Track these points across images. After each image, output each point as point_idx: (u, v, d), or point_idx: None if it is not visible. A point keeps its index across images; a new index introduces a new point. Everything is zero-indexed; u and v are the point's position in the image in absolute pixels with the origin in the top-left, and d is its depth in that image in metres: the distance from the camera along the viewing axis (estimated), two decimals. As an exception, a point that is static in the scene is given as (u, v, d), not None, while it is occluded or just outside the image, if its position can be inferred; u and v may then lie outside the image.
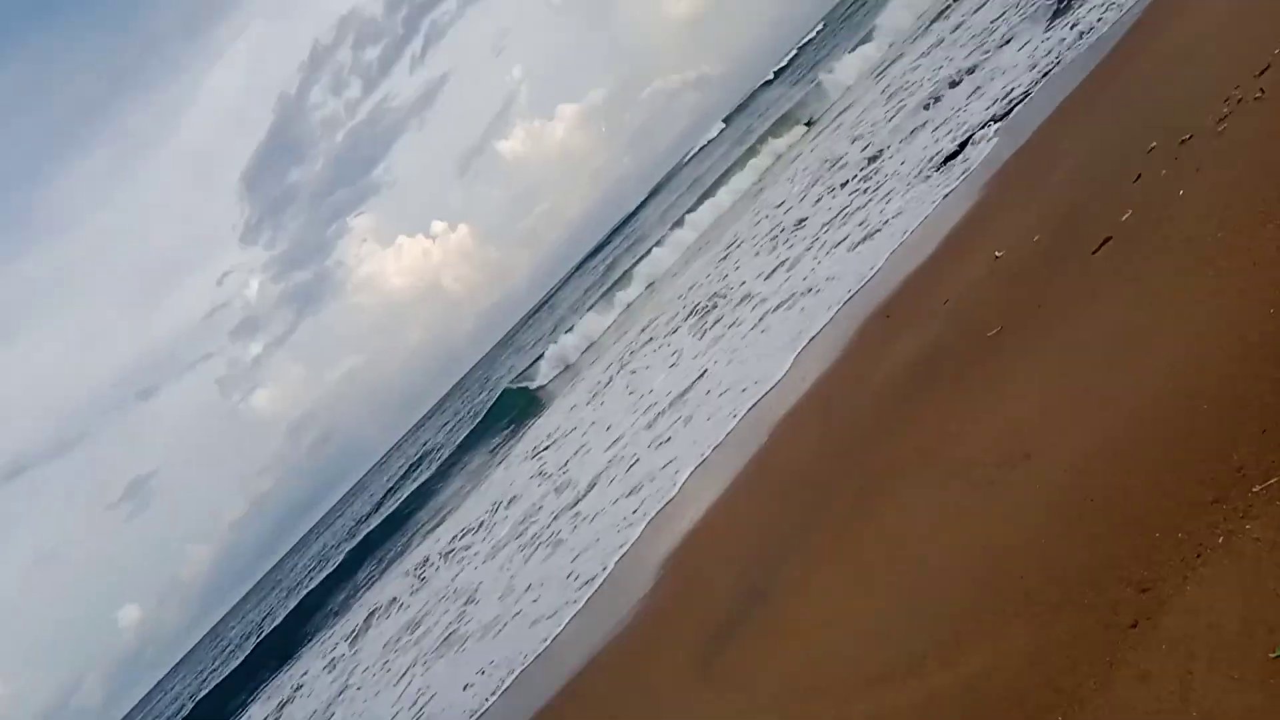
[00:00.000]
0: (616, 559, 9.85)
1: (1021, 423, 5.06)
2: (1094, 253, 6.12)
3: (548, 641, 9.57)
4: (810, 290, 12.62)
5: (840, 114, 27.32)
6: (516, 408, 34.82)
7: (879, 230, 12.25)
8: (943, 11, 23.96)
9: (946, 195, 10.87)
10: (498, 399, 38.44)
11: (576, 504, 14.02)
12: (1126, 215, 6.10)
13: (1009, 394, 5.52)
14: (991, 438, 5.23)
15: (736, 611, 6.32)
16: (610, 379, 22.43)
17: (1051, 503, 4.15)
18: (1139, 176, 6.37)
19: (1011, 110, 11.68)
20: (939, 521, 4.96)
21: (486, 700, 9.66)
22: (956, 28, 20.07)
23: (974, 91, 14.09)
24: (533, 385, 35.73)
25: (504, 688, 9.57)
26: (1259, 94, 5.76)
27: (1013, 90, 12.19)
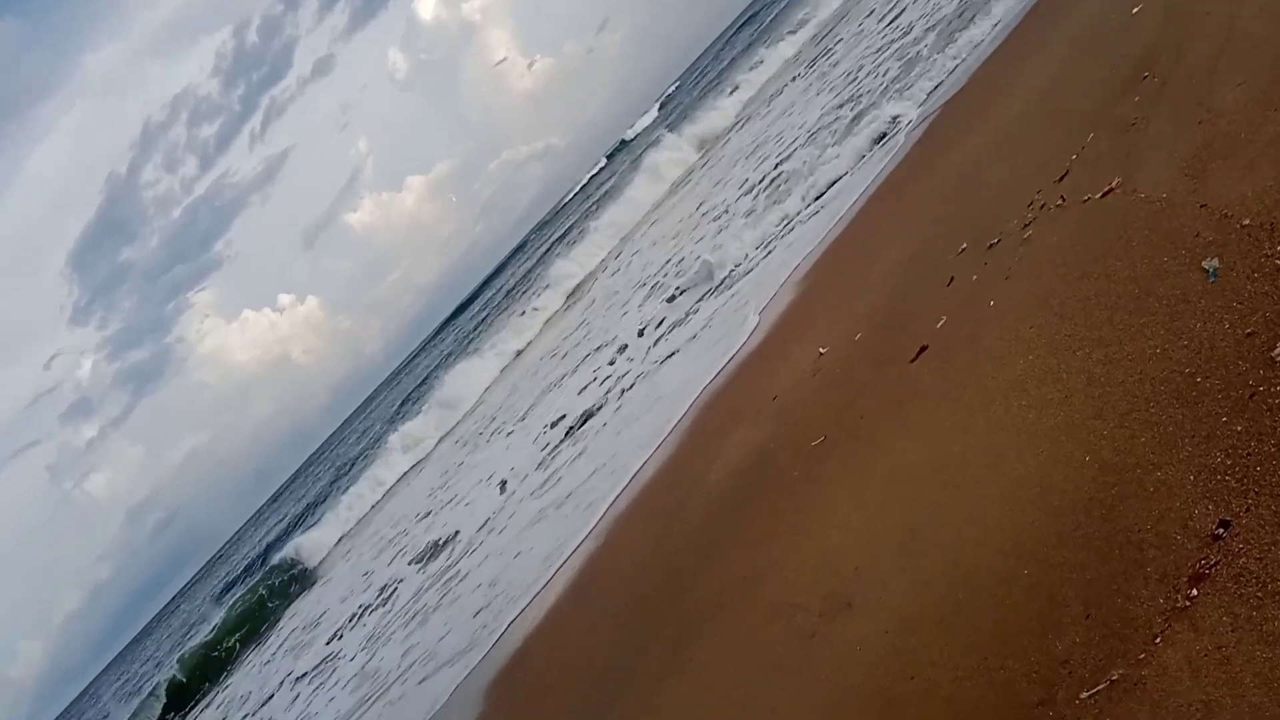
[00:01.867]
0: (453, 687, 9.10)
1: (844, 561, 4.72)
2: (912, 361, 5.93)
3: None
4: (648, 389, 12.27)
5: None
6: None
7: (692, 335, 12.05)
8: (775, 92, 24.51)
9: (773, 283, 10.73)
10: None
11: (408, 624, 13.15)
12: (941, 322, 5.94)
13: (833, 521, 5.19)
14: (814, 575, 4.87)
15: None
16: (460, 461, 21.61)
17: (870, 675, 3.78)
18: (951, 280, 6.25)
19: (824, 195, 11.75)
20: (758, 678, 4.54)
21: None
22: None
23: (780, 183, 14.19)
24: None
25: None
26: (1060, 201, 5.70)
27: (828, 177, 12.25)
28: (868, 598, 4.27)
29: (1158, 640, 2.76)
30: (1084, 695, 2.78)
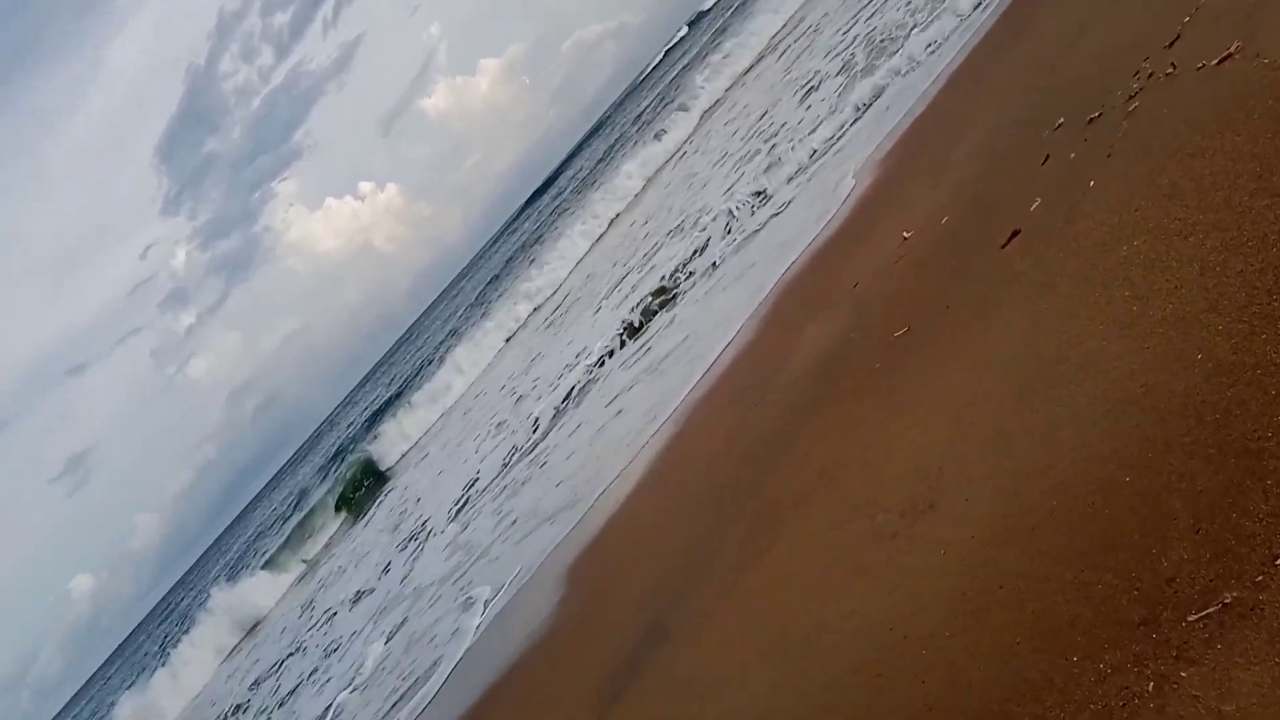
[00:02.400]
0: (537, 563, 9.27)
1: (928, 461, 4.53)
2: (1002, 247, 5.60)
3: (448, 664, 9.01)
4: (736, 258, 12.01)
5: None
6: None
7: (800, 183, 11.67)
8: None
9: (859, 157, 10.29)
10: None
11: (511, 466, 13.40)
12: (1035, 204, 5.57)
13: (916, 418, 4.99)
14: (896, 474, 4.70)
15: (638, 649, 5.77)
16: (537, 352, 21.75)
17: (954, 582, 3.63)
18: (1047, 158, 5.84)
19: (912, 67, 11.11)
20: (835, 578, 4.43)
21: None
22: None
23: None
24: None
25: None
26: (1170, 69, 5.22)
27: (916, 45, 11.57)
28: (953, 500, 4.09)
29: (1279, 561, 2.55)
30: (1192, 617, 2.59)
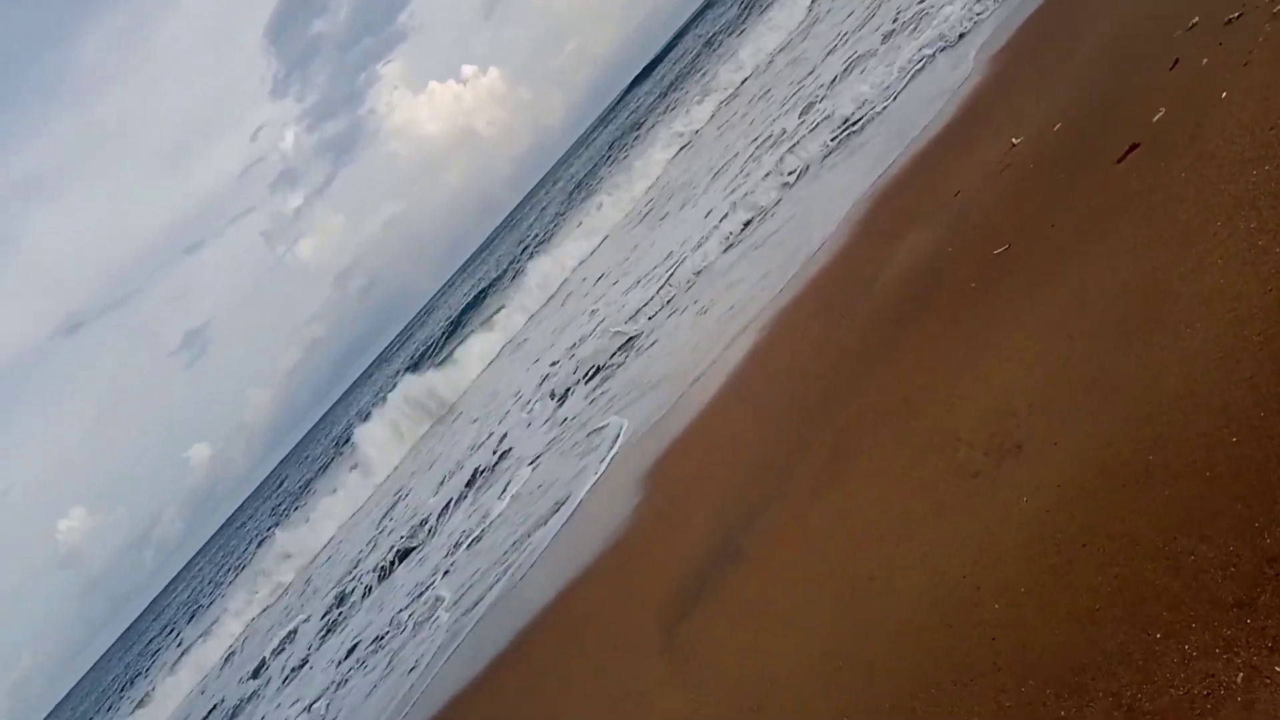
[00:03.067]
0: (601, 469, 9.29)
1: (1018, 396, 4.27)
2: (1118, 161, 5.17)
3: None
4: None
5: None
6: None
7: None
8: None
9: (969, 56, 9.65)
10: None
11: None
12: (1158, 115, 5.11)
13: (1009, 347, 4.70)
14: (983, 407, 4.45)
15: (708, 567, 5.72)
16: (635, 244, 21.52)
17: (1036, 533, 3.42)
18: (1175, 63, 5.33)
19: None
20: (911, 514, 4.25)
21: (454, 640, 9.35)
22: None
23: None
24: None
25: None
26: (1330, -34, 4.65)
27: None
28: (1041, 443, 3.85)
29: (1399, 554, 2.29)
30: (1293, 606, 2.36)
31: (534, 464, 12.15)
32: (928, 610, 3.60)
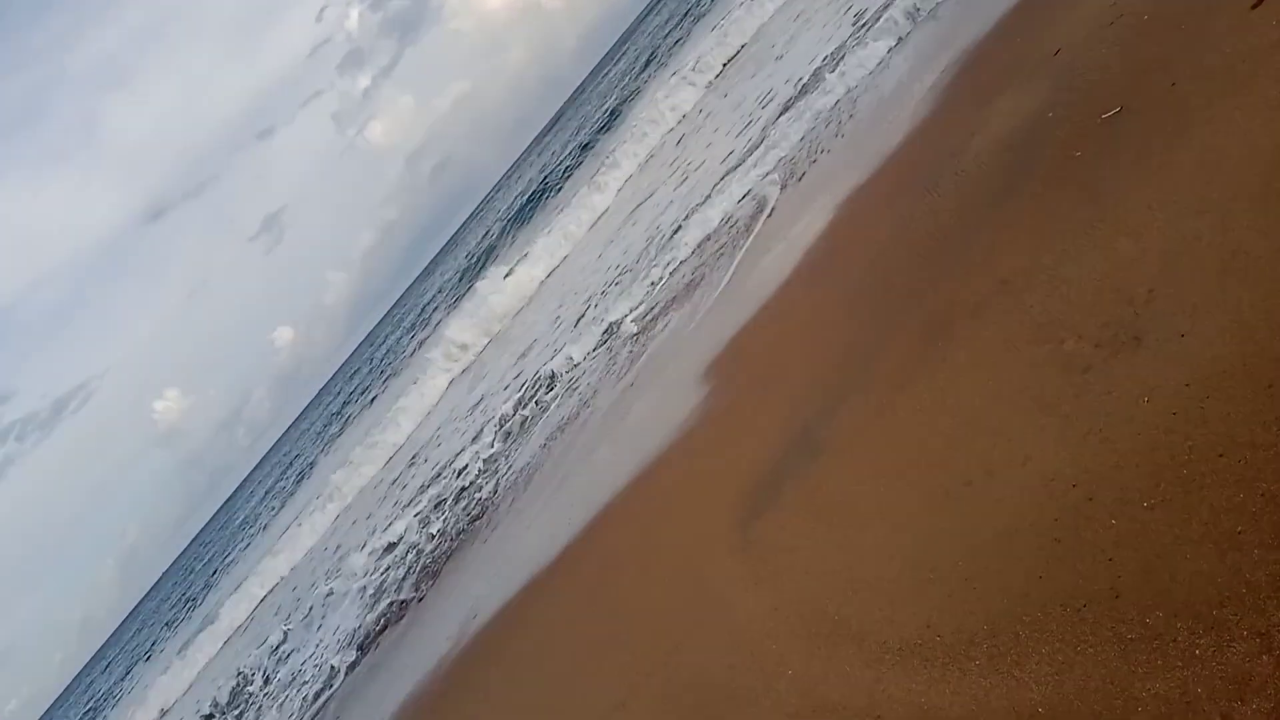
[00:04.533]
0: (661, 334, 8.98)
1: (1136, 280, 3.81)
2: (1254, 7, 4.54)
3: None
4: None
5: None
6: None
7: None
8: None
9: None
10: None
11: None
12: (1307, -51, 4.43)
13: (1123, 224, 4.22)
14: (1094, 292, 4.01)
15: (786, 460, 5.44)
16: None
17: (1161, 439, 3.03)
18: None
19: None
20: (1011, 412, 3.87)
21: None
22: None
23: None
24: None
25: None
26: None
27: None
28: (1164, 334, 3.42)
29: None
30: None
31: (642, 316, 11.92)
32: (1032, 522, 3.26)
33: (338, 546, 19.48)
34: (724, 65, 22.55)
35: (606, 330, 12.21)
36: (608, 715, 5.03)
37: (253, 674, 16.18)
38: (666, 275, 11.76)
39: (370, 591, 13.22)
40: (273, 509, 45.09)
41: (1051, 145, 5.41)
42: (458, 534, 11.52)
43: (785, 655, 3.98)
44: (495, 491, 11.44)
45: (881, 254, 6.56)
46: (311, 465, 43.88)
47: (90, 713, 43.10)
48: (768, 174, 10.98)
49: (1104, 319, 3.78)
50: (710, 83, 22.50)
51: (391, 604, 11.74)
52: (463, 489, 12.93)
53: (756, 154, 12.13)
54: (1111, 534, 2.91)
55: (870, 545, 4.08)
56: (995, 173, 5.80)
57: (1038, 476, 3.42)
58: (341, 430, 42.87)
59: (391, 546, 14.06)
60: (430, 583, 11.25)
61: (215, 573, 45.34)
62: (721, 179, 13.10)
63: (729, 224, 11.04)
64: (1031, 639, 2.87)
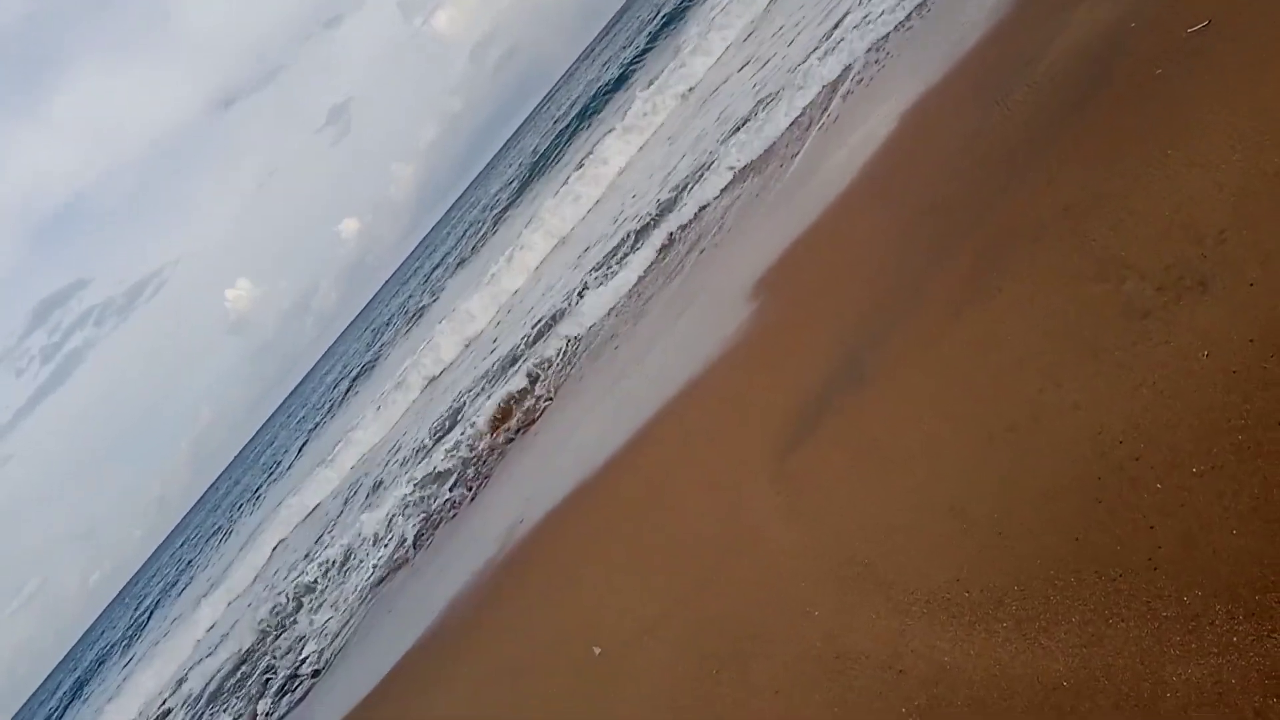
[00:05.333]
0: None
1: (1206, 218, 3.54)
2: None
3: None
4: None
5: None
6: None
7: None
8: None
9: None
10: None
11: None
12: None
13: (1201, 153, 3.90)
14: (1160, 230, 3.74)
15: (829, 387, 5.29)
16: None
17: (1219, 398, 2.82)
18: None
19: None
20: (1063, 353, 3.66)
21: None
22: None
23: None
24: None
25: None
26: None
27: None
28: (1233, 281, 3.17)
29: None
30: None
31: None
32: (1074, 478, 3.10)
33: (395, 445, 19.84)
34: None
35: (667, 238, 12.02)
36: (638, 637, 5.04)
37: (325, 551, 16.71)
38: (726, 178, 11.47)
39: (428, 484, 13.48)
40: (330, 404, 45.56)
41: (1131, 59, 5.03)
42: (508, 441, 11.62)
43: (813, 596, 3.91)
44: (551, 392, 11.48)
45: (943, 170, 6.25)
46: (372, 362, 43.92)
47: (176, 585, 45.20)
48: (837, 73, 10.54)
49: (1169, 259, 3.53)
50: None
51: (446, 502, 11.96)
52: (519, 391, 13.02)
53: (826, 49, 11.65)
54: (1156, 499, 2.74)
55: (907, 489, 3.95)
56: (1069, 86, 5.43)
57: (1085, 428, 3.23)
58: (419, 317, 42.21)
59: (452, 436, 14.29)
60: (483, 482, 11.41)
61: (303, 445, 45.81)
62: (792, 71, 12.63)
63: (798, 124, 10.67)
64: (1062, 605, 2.74)
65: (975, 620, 2.99)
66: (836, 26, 12.12)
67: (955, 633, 3.03)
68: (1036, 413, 3.55)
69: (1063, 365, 3.63)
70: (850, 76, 10.02)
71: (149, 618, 47.52)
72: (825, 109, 10.01)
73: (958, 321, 4.65)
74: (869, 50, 10.08)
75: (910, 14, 9.75)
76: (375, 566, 12.64)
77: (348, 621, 11.94)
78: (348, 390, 42.80)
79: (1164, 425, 2.94)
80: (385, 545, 12.96)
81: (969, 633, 2.98)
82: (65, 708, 49.89)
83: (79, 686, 53.81)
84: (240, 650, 16.13)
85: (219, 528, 52.20)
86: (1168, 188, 3.87)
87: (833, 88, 10.29)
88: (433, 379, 21.12)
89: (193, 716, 15.57)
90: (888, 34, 9.90)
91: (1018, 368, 3.91)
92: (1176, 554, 2.54)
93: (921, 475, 3.92)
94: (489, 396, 13.96)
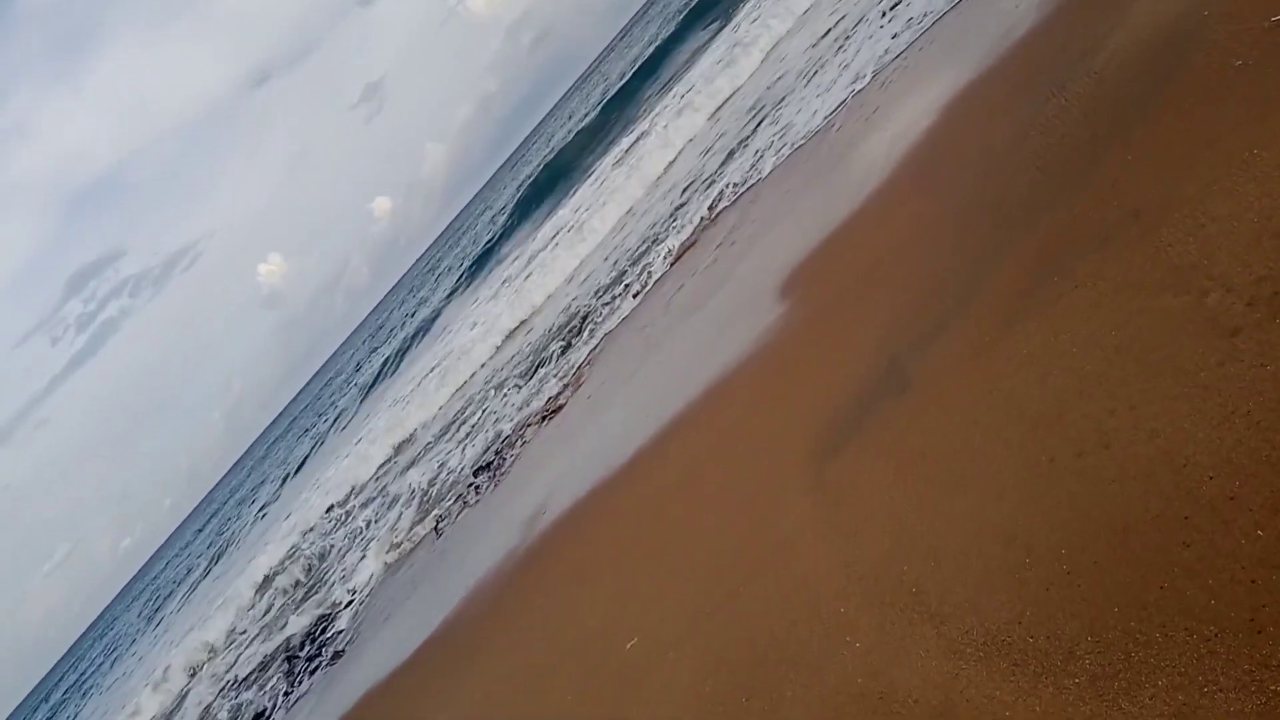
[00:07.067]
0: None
1: (1303, 226, 3.21)
2: None
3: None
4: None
5: None
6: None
7: None
8: None
9: None
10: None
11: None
12: None
13: (1290, 154, 3.56)
14: (1248, 238, 3.41)
15: (869, 393, 4.99)
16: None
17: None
18: None
19: None
20: (1135, 371, 3.35)
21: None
22: None
23: None
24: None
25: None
26: None
27: None
28: (1340, 302, 2.84)
29: None
30: None
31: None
32: (1155, 516, 2.79)
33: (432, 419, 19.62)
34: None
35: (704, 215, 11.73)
36: (661, 650, 4.78)
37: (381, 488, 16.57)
38: (764, 152, 11.15)
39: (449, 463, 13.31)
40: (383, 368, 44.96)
41: (1206, 49, 4.67)
42: (539, 420, 11.39)
43: (854, 623, 3.63)
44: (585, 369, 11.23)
45: (995, 164, 5.91)
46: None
47: (215, 558, 45.21)
48: (878, 55, 10.18)
49: (1260, 271, 3.20)
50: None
51: (472, 486, 11.76)
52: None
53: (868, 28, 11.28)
54: (1256, 548, 2.43)
55: (958, 511, 3.65)
56: (1135, 78, 5.08)
57: (1166, 459, 2.92)
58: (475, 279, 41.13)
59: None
60: (513, 450, 11.19)
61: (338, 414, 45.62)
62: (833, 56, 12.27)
63: (840, 108, 10.32)
64: (1146, 665, 2.44)
65: (1042, 671, 2.70)
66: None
67: (1018, 683, 2.74)
68: (1106, 438, 3.24)
69: (1136, 386, 3.32)
70: (890, 63, 9.65)
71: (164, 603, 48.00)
72: (862, 97, 9.66)
73: (1012, 330, 4.33)
74: (916, 36, 9.71)
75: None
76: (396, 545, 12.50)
77: (365, 603, 11.79)
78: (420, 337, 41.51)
79: (1263, 461, 2.62)
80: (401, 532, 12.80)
81: (1034, 685, 2.69)
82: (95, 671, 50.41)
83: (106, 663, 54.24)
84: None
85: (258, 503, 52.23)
86: (1255, 192, 3.54)
87: (872, 74, 9.93)
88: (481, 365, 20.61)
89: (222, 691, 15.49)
90: (940, 16, 9.52)
91: (1083, 386, 3.60)
92: (1277, 614, 2.24)
93: (974, 497, 3.62)
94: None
